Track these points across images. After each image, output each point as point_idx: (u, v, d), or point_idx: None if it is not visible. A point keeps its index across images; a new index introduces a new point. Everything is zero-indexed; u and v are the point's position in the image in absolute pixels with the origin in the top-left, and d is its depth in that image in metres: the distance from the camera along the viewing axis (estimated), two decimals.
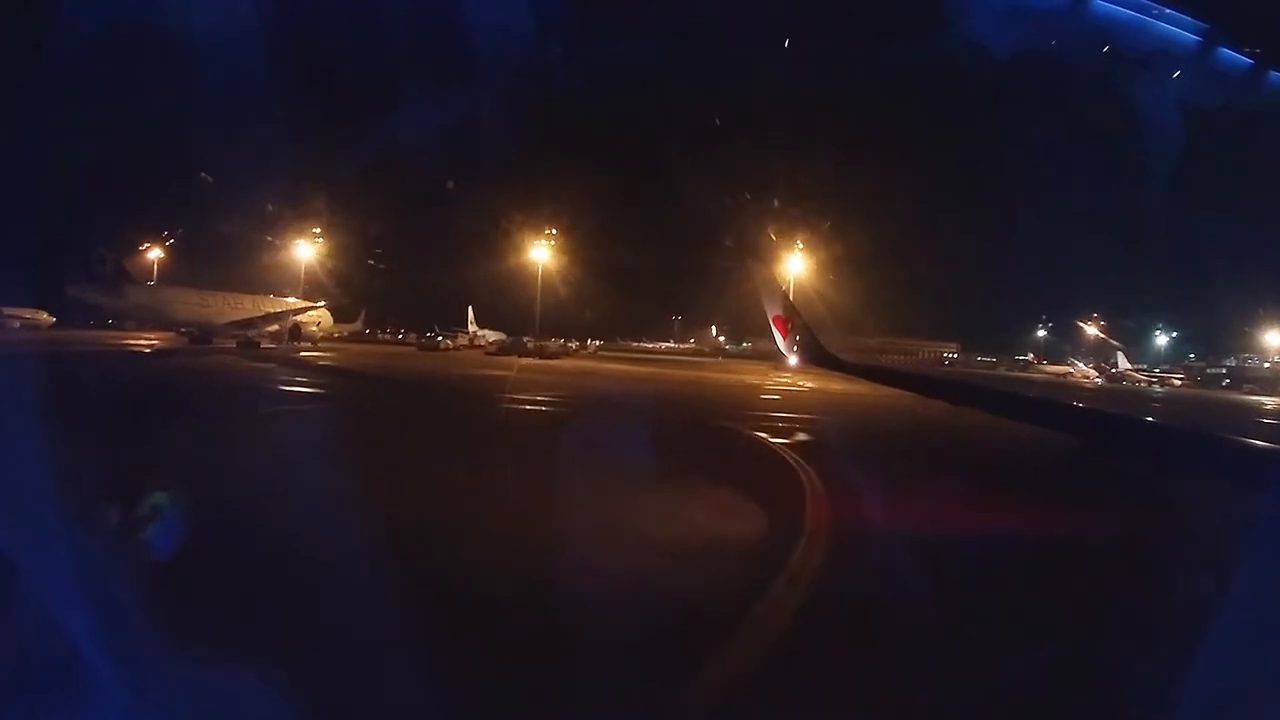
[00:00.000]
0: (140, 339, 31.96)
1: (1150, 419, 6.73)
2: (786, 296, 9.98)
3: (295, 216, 40.96)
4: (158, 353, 26.23)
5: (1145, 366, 57.38)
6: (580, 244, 49.19)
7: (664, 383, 26.42)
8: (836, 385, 22.29)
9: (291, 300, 37.99)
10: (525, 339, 46.58)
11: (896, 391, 4.61)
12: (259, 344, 33.27)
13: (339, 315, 46.04)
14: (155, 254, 40.45)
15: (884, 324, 60.66)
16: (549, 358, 41.76)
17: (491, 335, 52.53)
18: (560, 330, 56.36)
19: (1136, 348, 60.40)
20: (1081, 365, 57.87)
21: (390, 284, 52.09)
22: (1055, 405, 7.30)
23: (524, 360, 36.62)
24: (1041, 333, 70.07)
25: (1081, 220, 37.07)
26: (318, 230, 42.32)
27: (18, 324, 35.89)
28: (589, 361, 43.51)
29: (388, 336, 63.44)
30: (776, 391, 23.53)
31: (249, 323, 33.59)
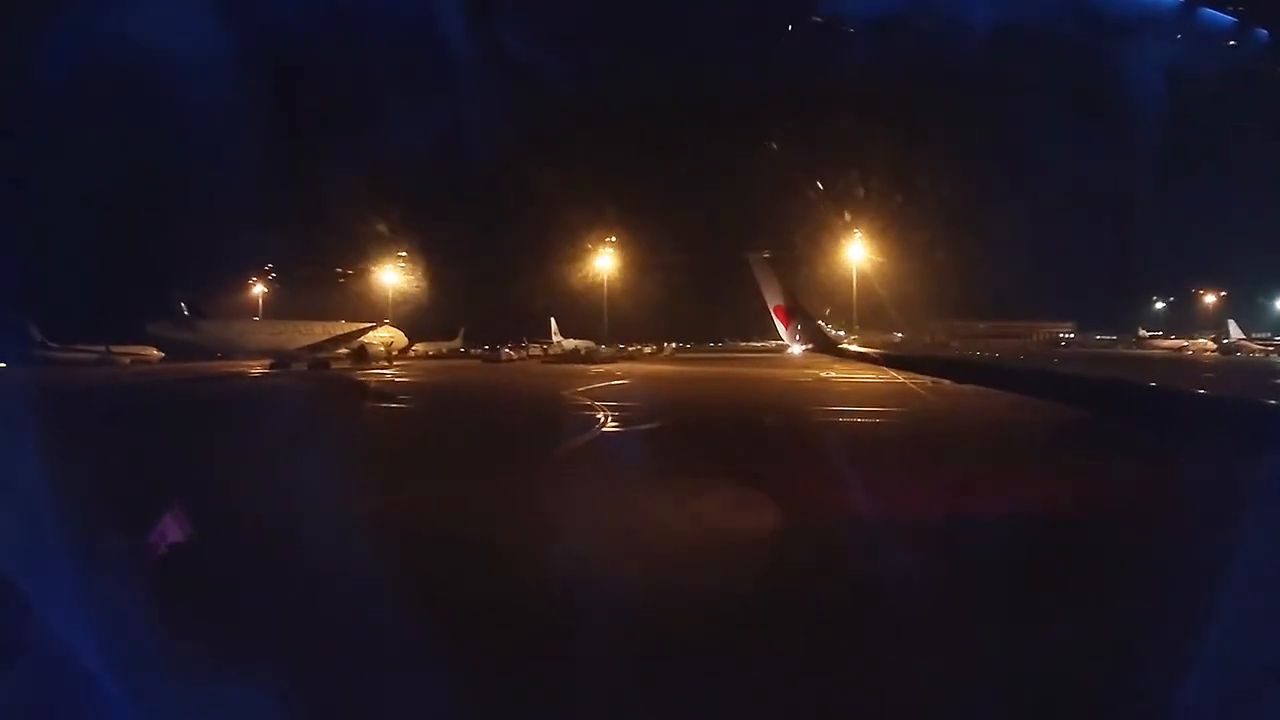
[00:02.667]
0: (234, 366, 34.78)
1: (1155, 384, 6.59)
2: (788, 286, 10.30)
3: (381, 243, 44.48)
4: (252, 375, 30.42)
5: (1269, 335, 51.54)
6: (659, 247, 50.13)
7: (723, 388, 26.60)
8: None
9: (355, 324, 40.20)
10: (577, 346, 47.63)
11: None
12: (328, 365, 35.63)
13: (436, 334, 49.53)
14: (241, 289, 43.72)
15: (994, 306, 58.55)
16: (603, 362, 42.58)
17: (578, 344, 53.24)
18: (644, 334, 57.40)
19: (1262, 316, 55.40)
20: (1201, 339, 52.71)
21: (482, 300, 54.42)
22: (1059, 376, 7.38)
23: (569, 368, 37.79)
24: (1160, 305, 64.61)
25: (1201, 185, 34.91)
26: (403, 254, 46.15)
27: (128, 359, 39.31)
28: (656, 365, 42.86)
29: (479, 351, 64.85)
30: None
31: (318, 347, 35.95)
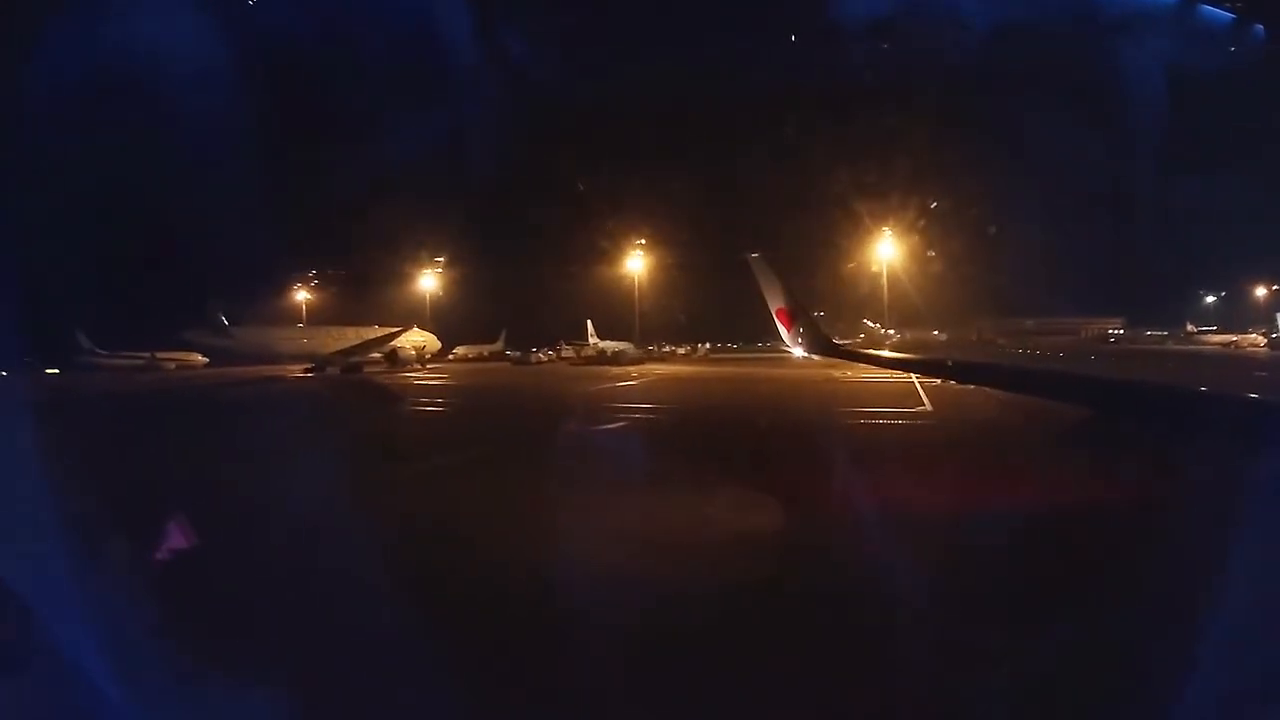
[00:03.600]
0: (273, 370, 35.81)
1: (1158, 383, 6.38)
2: (788, 288, 10.08)
3: (420, 248, 45.89)
4: (290, 379, 32.26)
5: None
6: (698, 247, 50.13)
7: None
8: None
9: (385, 329, 41.00)
10: (603, 349, 47.82)
11: None
12: (361, 368, 36.42)
13: (479, 337, 50.71)
14: (280, 295, 45.09)
15: (1041, 303, 57.37)
16: (628, 364, 42.60)
17: (605, 346, 53.55)
18: (684, 335, 57.50)
19: None
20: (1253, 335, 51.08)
21: (524, 303, 55.35)
22: (1061, 376, 7.14)
23: (592, 370, 38.06)
24: (1210, 300, 61.99)
25: (1253, 178, 33.39)
26: (440, 258, 47.53)
27: (173, 365, 40.80)
28: (680, 367, 42.65)
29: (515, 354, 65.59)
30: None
31: (350, 351, 36.76)
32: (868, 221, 36.92)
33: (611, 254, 50.98)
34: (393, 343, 38.52)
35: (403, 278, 48.99)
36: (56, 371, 39.02)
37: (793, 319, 9.26)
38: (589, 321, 58.67)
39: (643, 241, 48.47)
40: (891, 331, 66.91)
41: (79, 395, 26.31)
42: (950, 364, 7.88)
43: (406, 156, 33.18)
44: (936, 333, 62.48)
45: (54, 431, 10.36)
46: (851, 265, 45.74)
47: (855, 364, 20.90)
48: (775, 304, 9.38)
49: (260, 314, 39.35)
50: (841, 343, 15.20)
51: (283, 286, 43.86)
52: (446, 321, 50.18)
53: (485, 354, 53.02)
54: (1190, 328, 58.47)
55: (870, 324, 73.61)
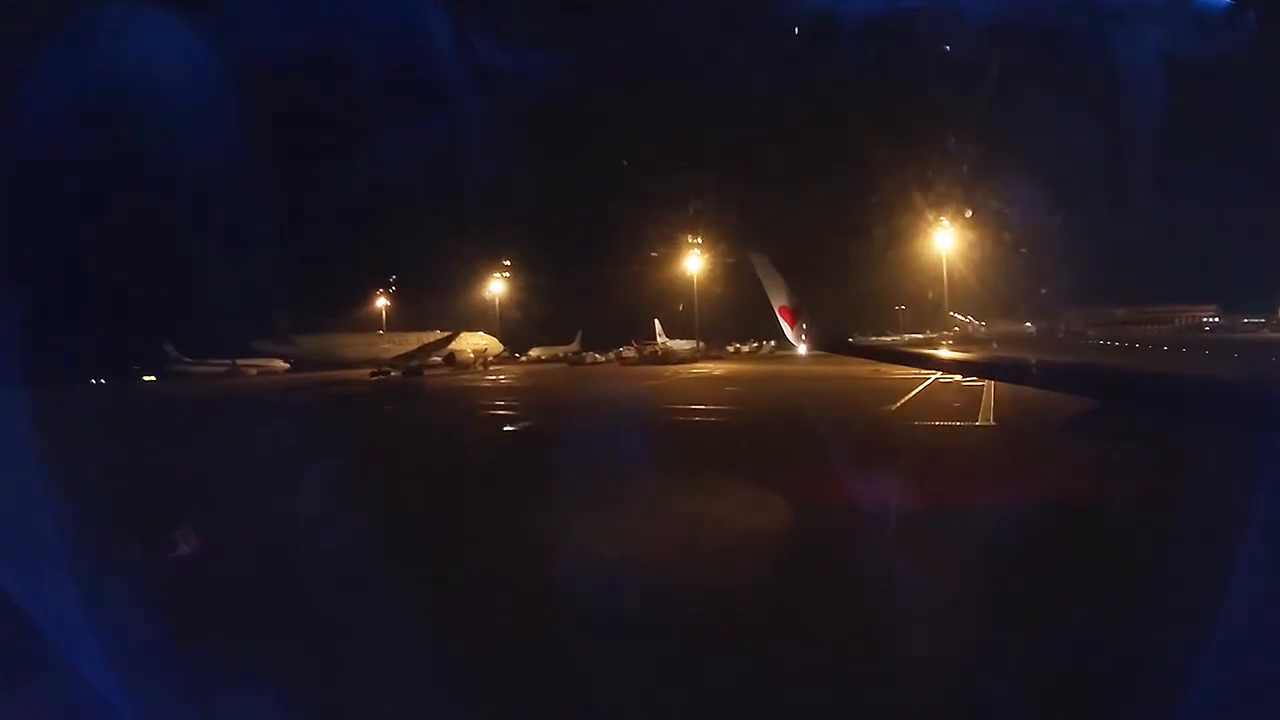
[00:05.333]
0: (345, 375, 37.84)
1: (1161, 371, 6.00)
2: (789, 286, 9.88)
3: (491, 253, 47.64)
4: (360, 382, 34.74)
5: None
6: (766, 245, 49.33)
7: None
8: None
9: (442, 333, 42.37)
10: (654, 348, 47.91)
11: None
12: (421, 371, 37.78)
13: (556, 338, 52.99)
14: (350, 304, 47.27)
15: (1135, 291, 54.26)
16: (678, 363, 42.52)
17: (658, 346, 53.72)
18: (752, 332, 57.06)
19: None
20: None
21: (601, 304, 55.88)
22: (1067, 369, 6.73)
23: (638, 369, 38.47)
24: None
25: None
26: (507, 261, 49.30)
27: (254, 371, 43.38)
28: (733, 365, 42.26)
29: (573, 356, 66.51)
30: None
31: (409, 355, 38.29)
32: (941, 213, 35.44)
33: (684, 253, 50.86)
34: (450, 346, 39.76)
35: (472, 283, 50.65)
36: (153, 378, 42.31)
37: (797, 317, 9.11)
38: (656, 321, 59.16)
39: (699, 240, 48.15)
40: (981, 324, 63.91)
41: (203, 396, 30.00)
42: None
43: (473, 162, 34.22)
44: (1029, 325, 59.86)
45: (226, 425, 17.21)
46: (931, 258, 43.96)
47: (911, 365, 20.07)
48: (778, 302, 9.26)
49: (328, 322, 41.37)
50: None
51: (350, 295, 45.89)
52: (527, 325, 51.74)
53: (559, 355, 54.00)
54: None
55: (958, 317, 69.97)
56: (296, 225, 34.25)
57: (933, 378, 17.84)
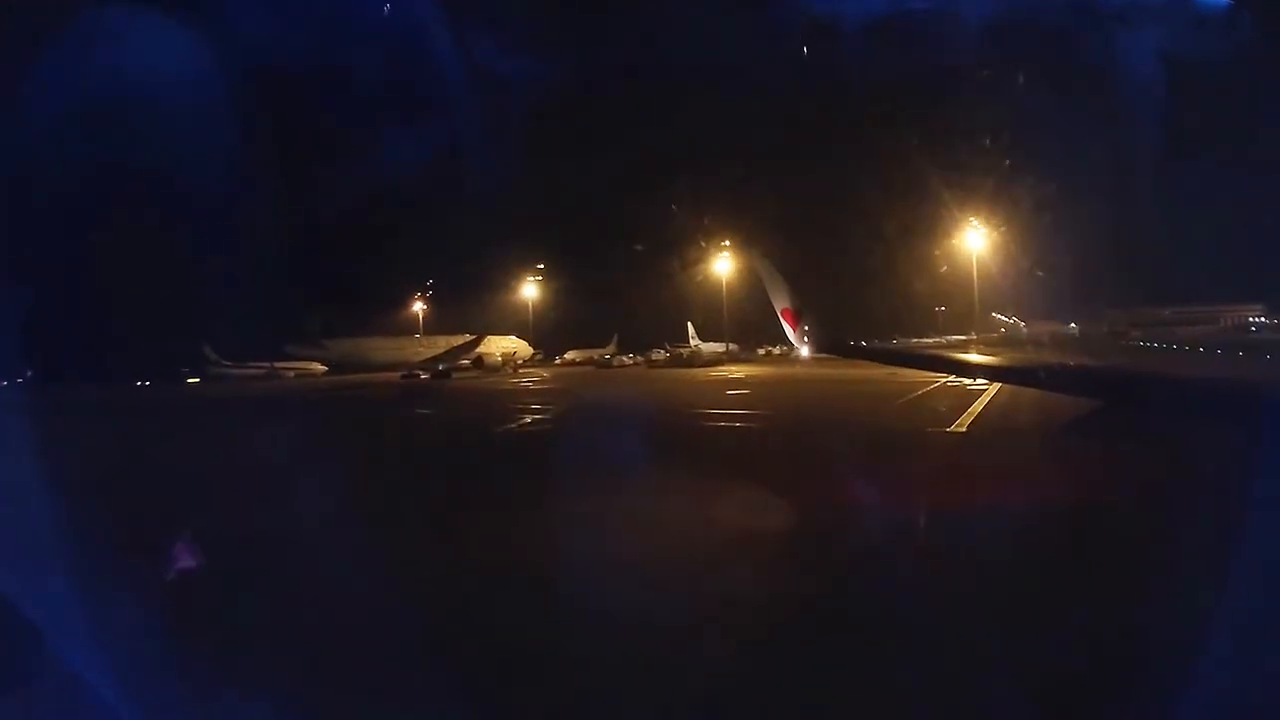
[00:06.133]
0: (377, 377, 38.73)
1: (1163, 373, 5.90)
2: (791, 289, 9.83)
3: (524, 258, 48.43)
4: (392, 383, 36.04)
5: None
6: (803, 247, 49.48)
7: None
8: None
9: (467, 336, 43.03)
10: (679, 351, 47.93)
11: None
12: (450, 374, 38.44)
13: (593, 341, 53.37)
14: (385, 308, 48.33)
15: (1180, 291, 52.63)
16: (703, 366, 42.45)
17: (683, 349, 53.69)
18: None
19: None
20: None
21: (639, 307, 56.68)
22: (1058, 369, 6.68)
23: (664, 372, 39.01)
24: None
25: None
26: (541, 266, 49.93)
27: (292, 374, 44.52)
28: (756, 369, 42.30)
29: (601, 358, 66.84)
30: None
31: (437, 358, 39.06)
32: (981, 214, 34.69)
33: (716, 256, 50.89)
34: (478, 349, 40.36)
35: (506, 288, 51.42)
36: (197, 380, 43.82)
37: (798, 319, 9.10)
38: (689, 324, 59.24)
39: (726, 243, 48.02)
40: (1024, 325, 62.04)
41: (252, 396, 32.02)
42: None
43: (508, 166, 34.70)
44: (1072, 326, 58.51)
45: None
46: (971, 259, 43.04)
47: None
48: (780, 304, 9.25)
49: (359, 326, 42.36)
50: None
51: (383, 300, 46.87)
52: (563, 328, 52.69)
53: (595, 358, 54.40)
54: None
55: (1000, 317, 67.92)
56: (329, 231, 35.15)
57: (941, 381, 17.48)
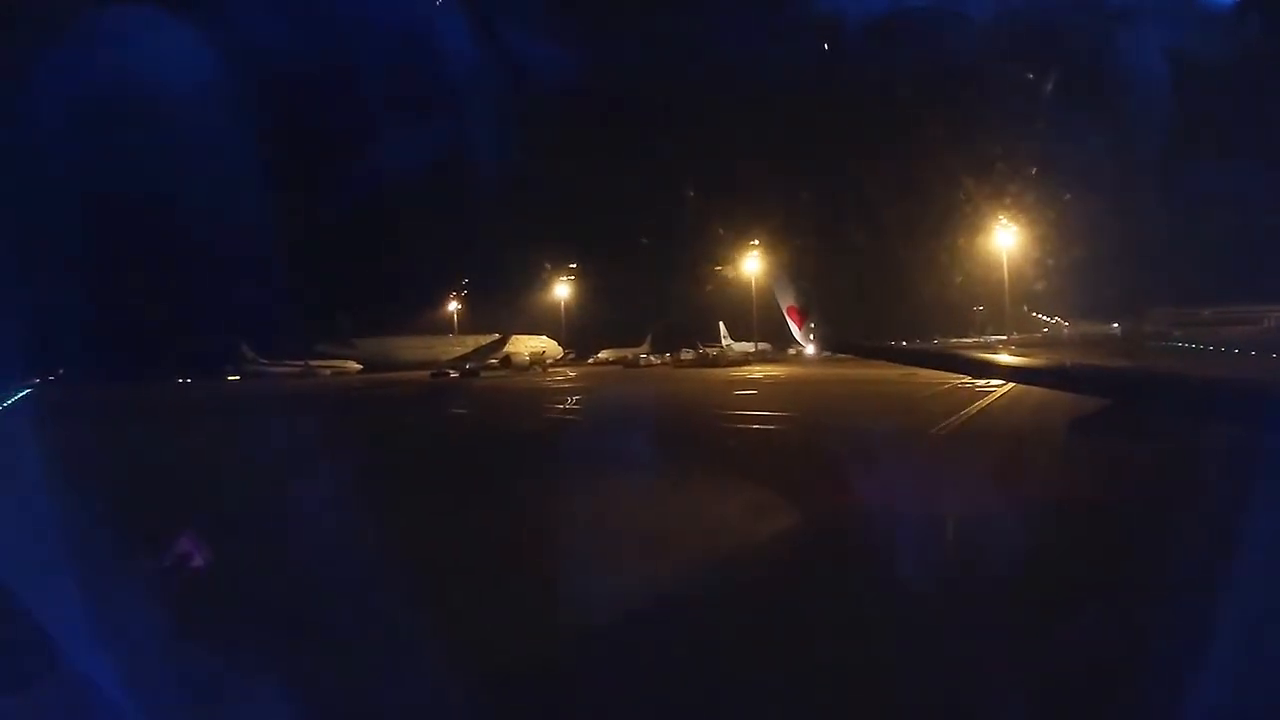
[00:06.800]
0: (409, 376, 39.75)
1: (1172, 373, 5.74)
2: (797, 288, 9.78)
3: (557, 259, 49.18)
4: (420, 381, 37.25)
5: None
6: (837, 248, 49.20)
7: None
8: None
9: (493, 336, 43.52)
10: (704, 351, 47.85)
11: None
12: (478, 373, 38.97)
13: (627, 340, 54.08)
14: (418, 308, 49.18)
15: (1224, 290, 51.02)
16: (728, 365, 42.39)
17: (708, 349, 53.58)
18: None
19: None
20: None
21: (675, 306, 56.12)
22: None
23: (688, 371, 39.62)
24: None
25: None
26: (573, 265, 50.70)
27: (328, 372, 45.55)
28: (779, 368, 42.10)
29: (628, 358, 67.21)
30: None
31: (465, 357, 39.72)
32: (1019, 213, 33.94)
33: (748, 256, 50.66)
34: (506, 348, 40.82)
35: (539, 287, 51.94)
36: (236, 378, 45.15)
37: (804, 318, 9.08)
38: (720, 323, 59.10)
39: (757, 242, 47.72)
40: (1065, 324, 60.38)
41: (299, 391, 33.48)
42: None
43: (542, 167, 35.13)
44: (1114, 325, 57.03)
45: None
46: (1010, 258, 42.19)
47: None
48: (786, 303, 9.25)
49: (390, 325, 43.21)
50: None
51: (415, 299, 47.65)
52: (597, 327, 53.34)
53: (628, 356, 54.59)
54: None
55: (1041, 317, 66.14)
56: (360, 231, 35.97)
57: (953, 381, 17.08)
